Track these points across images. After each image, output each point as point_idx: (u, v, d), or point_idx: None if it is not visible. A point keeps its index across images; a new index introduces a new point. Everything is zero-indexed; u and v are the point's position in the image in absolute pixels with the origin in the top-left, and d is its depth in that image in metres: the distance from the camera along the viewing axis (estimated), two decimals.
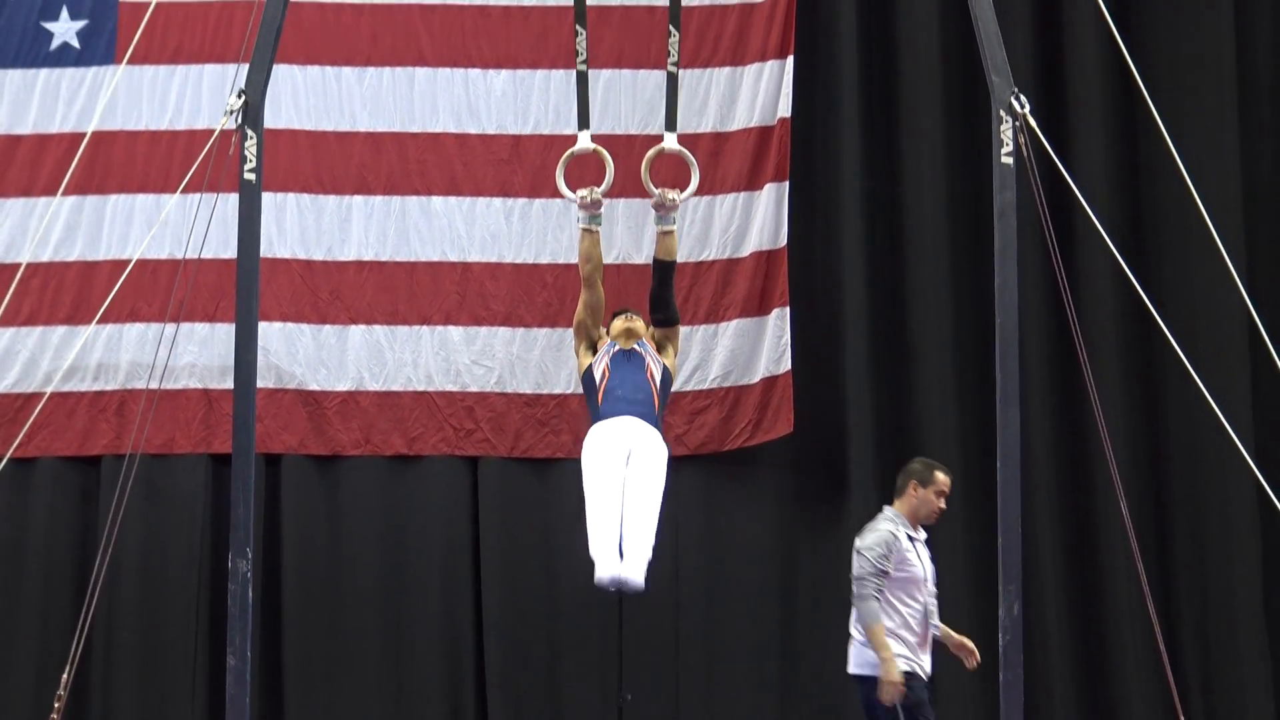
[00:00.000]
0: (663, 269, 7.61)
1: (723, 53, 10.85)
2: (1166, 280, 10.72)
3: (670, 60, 7.83)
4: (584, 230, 7.62)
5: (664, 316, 7.69)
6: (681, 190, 7.61)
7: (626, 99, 10.85)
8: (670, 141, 7.76)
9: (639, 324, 7.71)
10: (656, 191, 7.60)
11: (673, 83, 7.82)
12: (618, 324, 7.71)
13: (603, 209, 7.62)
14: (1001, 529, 7.20)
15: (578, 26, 7.78)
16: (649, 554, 7.35)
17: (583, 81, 7.80)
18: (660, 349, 7.69)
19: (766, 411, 10.71)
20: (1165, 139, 8.35)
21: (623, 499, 7.33)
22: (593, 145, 7.67)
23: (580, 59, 7.80)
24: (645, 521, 7.33)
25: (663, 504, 10.70)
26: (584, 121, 7.75)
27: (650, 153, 7.79)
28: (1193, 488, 10.77)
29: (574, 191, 7.55)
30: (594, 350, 7.69)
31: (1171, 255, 10.82)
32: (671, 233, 7.55)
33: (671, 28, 7.82)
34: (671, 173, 8.12)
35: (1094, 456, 10.35)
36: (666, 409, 10.48)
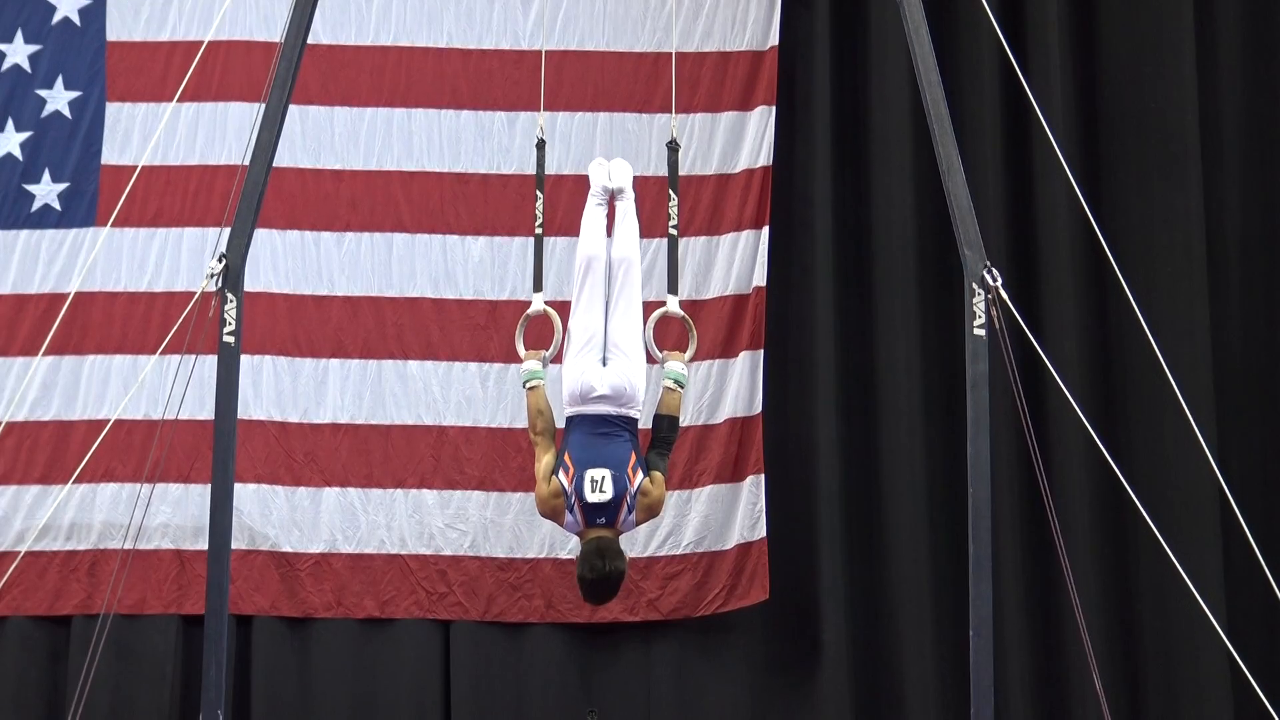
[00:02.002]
0: (664, 422, 7.60)
1: (699, 222, 10.94)
2: (1137, 448, 10.76)
3: (671, 224, 8.05)
4: (528, 389, 7.65)
5: (655, 455, 7.61)
6: (682, 351, 7.74)
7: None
8: (672, 305, 7.93)
9: None
10: (660, 355, 7.72)
11: (673, 245, 8.04)
12: None
13: (529, 383, 7.64)
14: (974, 699, 7.22)
15: (537, 192, 8.05)
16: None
17: (539, 245, 7.99)
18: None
19: (741, 578, 10.71)
20: (1135, 308, 8.46)
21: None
22: (544, 307, 7.81)
23: (538, 223, 8.02)
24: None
25: (633, 671, 10.74)
26: (538, 284, 7.93)
27: (654, 315, 7.89)
28: (1165, 656, 10.73)
29: (527, 350, 7.69)
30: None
31: (1142, 423, 10.85)
32: (676, 391, 7.60)
33: (671, 192, 8.07)
34: (674, 336, 8.25)
35: (1066, 624, 10.33)
36: (640, 573, 10.58)
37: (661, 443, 7.49)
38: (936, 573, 10.70)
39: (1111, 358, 10.99)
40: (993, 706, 7.19)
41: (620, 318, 7.59)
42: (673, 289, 8.00)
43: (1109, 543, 10.80)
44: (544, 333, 7.80)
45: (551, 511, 7.38)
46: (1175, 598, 9.81)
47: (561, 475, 7.28)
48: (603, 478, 7.23)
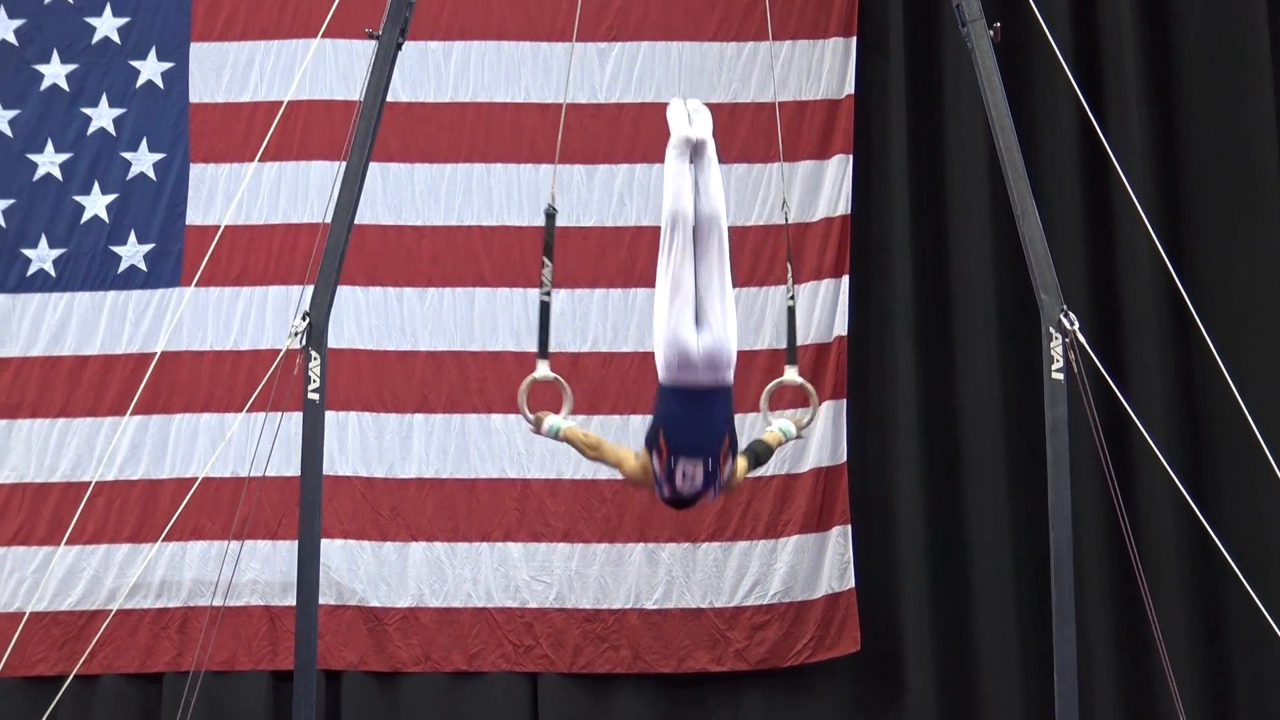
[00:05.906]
0: (760, 445, 7.60)
1: (778, 272, 10.96)
2: (1225, 494, 10.66)
3: (789, 297, 8.19)
4: (563, 437, 7.52)
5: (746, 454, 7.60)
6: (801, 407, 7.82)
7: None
8: (790, 374, 8.04)
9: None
10: (770, 418, 7.84)
11: (791, 317, 8.15)
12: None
13: (559, 434, 7.53)
14: None
15: (545, 259, 7.97)
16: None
17: (545, 313, 7.85)
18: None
19: (830, 628, 10.68)
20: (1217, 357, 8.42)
21: None
22: (552, 375, 7.71)
23: (544, 290, 7.91)
24: None
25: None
26: (543, 350, 7.80)
27: (771, 385, 8.05)
28: (1258, 707, 10.64)
29: (532, 414, 7.56)
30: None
31: (1229, 470, 10.74)
32: (778, 437, 7.63)
33: (789, 264, 8.32)
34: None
35: (1154, 672, 10.24)
36: (726, 623, 10.56)
37: (752, 454, 7.53)
38: (1022, 619, 10.64)
39: (1196, 403, 10.90)
40: None
41: (707, 277, 7.37)
42: (791, 360, 8.06)
43: (1197, 589, 10.69)
44: (543, 396, 7.75)
45: (640, 483, 7.38)
46: (1267, 646, 9.70)
47: (655, 458, 7.15)
48: (694, 470, 7.12)
